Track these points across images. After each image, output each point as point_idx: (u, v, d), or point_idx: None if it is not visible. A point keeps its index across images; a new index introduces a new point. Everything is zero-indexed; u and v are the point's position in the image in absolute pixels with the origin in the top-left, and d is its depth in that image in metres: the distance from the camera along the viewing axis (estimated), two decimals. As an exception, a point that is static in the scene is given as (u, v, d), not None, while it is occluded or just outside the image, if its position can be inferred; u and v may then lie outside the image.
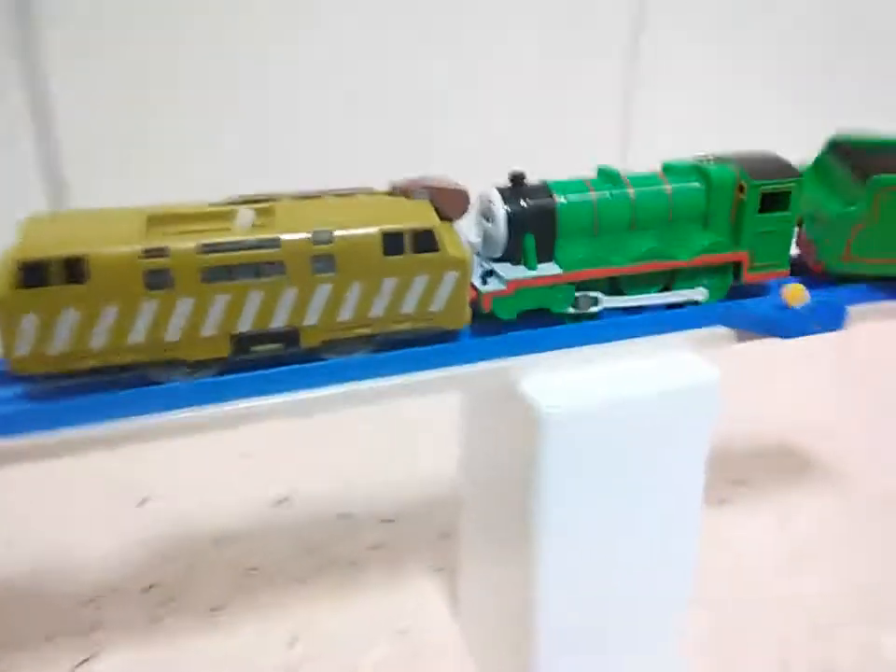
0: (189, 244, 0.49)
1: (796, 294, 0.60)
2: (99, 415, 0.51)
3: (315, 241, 0.51)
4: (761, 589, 0.75)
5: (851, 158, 0.68)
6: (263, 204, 0.55)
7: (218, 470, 0.89)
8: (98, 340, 0.50)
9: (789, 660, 0.68)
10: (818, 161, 0.71)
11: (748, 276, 0.65)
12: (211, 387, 0.53)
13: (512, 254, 0.61)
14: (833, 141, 0.71)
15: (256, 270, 0.50)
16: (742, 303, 0.62)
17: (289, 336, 0.54)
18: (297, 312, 0.53)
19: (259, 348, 0.53)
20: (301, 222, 0.53)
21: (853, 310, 0.65)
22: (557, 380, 0.56)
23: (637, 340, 0.59)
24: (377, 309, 0.55)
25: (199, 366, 0.54)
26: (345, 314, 0.54)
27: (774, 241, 0.65)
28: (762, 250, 0.65)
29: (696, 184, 0.64)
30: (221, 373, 0.54)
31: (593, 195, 0.64)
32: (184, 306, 0.50)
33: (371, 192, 0.60)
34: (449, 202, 0.59)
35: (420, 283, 0.55)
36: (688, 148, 0.72)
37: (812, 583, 0.76)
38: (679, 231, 0.64)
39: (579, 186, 0.64)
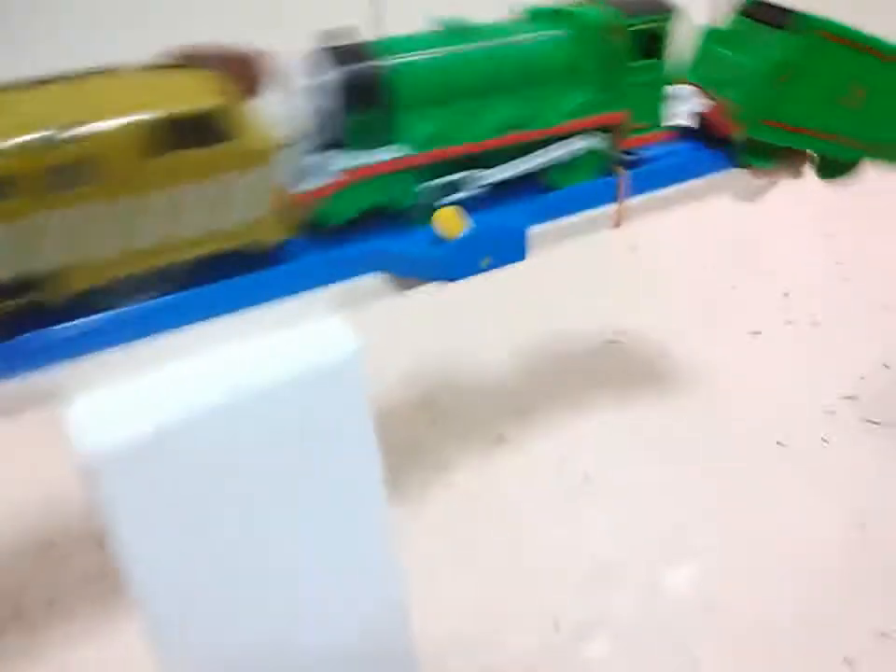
0: None
1: (449, 222, 0.48)
2: None
3: (48, 143, 0.36)
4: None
5: (772, 14, 0.61)
6: None
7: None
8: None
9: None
10: (733, 24, 0.64)
11: (626, 142, 0.56)
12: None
13: (333, 140, 0.47)
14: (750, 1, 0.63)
15: None
16: (390, 242, 0.50)
17: (25, 287, 0.38)
18: (31, 251, 0.37)
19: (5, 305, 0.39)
20: (23, 120, 0.37)
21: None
22: (124, 391, 0.42)
23: (252, 311, 0.45)
24: (155, 234, 0.40)
25: None
26: (110, 248, 0.39)
27: (648, 95, 0.56)
28: (637, 108, 0.56)
29: (560, 31, 0.53)
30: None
31: (432, 53, 0.50)
32: None
33: (113, 72, 0.43)
34: (242, 70, 0.45)
35: (210, 189, 0.40)
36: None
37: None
38: (545, 92, 0.53)
39: (414, 43, 0.51)
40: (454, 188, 0.52)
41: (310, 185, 0.46)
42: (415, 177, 0.50)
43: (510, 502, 0.92)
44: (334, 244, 0.51)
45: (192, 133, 0.39)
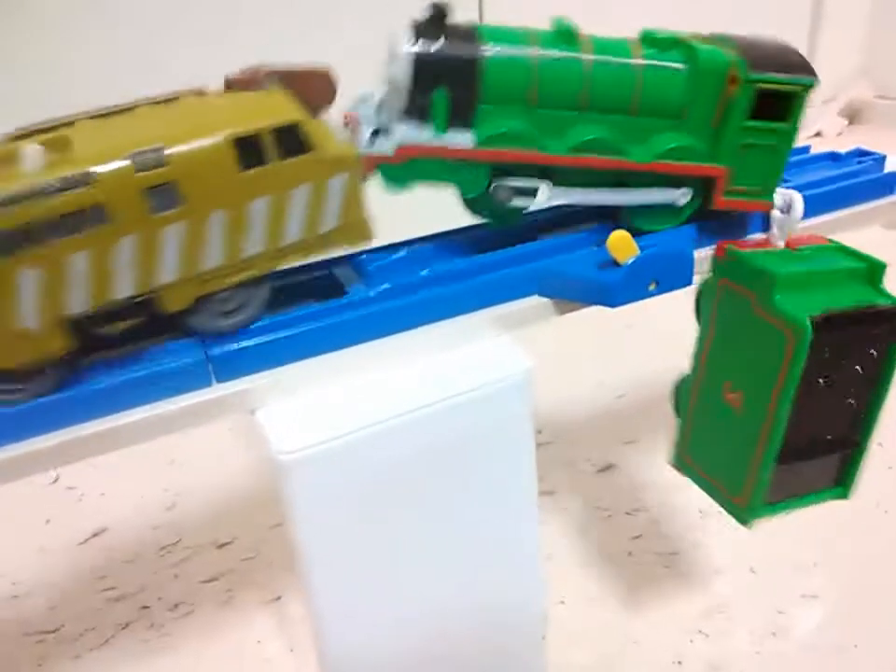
0: None
1: (623, 246, 0.47)
2: None
3: (140, 166, 0.37)
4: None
5: None
6: (52, 134, 0.39)
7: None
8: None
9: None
10: None
11: (720, 201, 0.52)
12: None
13: (419, 111, 0.46)
14: None
15: (69, 224, 0.36)
16: (554, 262, 0.50)
17: (145, 303, 0.40)
18: (144, 269, 0.39)
19: (109, 328, 0.41)
20: (111, 145, 0.38)
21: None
22: (311, 401, 0.44)
23: (421, 330, 0.48)
24: (253, 244, 0.41)
25: (29, 377, 0.38)
26: (212, 259, 0.41)
27: (763, 160, 0.52)
28: (744, 169, 0.52)
29: (678, 64, 0.49)
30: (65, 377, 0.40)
31: (535, 53, 0.47)
32: None
33: (199, 93, 0.45)
34: (308, 88, 0.45)
35: (299, 198, 0.42)
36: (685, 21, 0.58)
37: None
38: (643, 124, 0.50)
39: (520, 37, 0.48)
40: (526, 194, 0.50)
41: (378, 148, 0.46)
42: (486, 171, 0.48)
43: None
44: (495, 263, 0.52)
45: (281, 144, 0.40)
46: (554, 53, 0.48)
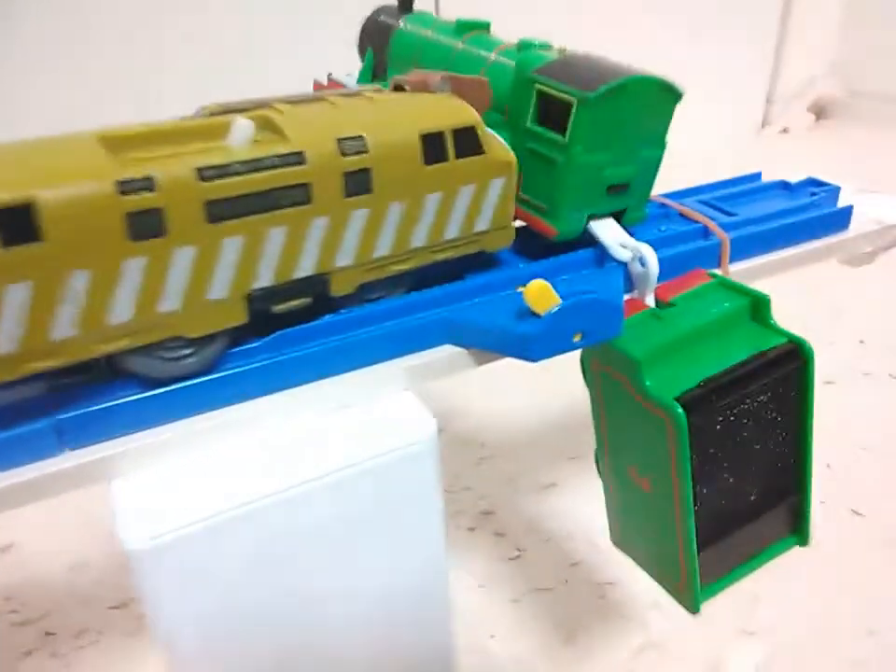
0: (183, 167, 0.35)
1: (541, 296, 0.44)
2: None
3: (346, 151, 0.39)
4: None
5: None
6: (253, 112, 0.41)
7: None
8: (62, 327, 0.35)
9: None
10: None
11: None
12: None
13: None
14: None
15: (275, 198, 0.38)
16: (468, 309, 0.47)
17: (317, 283, 0.42)
18: (327, 251, 0.41)
19: (282, 307, 0.41)
20: (318, 130, 0.40)
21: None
22: (178, 470, 0.40)
23: (313, 385, 0.43)
24: (419, 236, 0.44)
25: (202, 342, 0.40)
26: (382, 247, 0.43)
27: (544, 172, 0.50)
28: (529, 177, 0.51)
29: (511, 62, 0.53)
30: (229, 349, 0.41)
31: (427, 33, 0.58)
32: (183, 260, 0.36)
33: (377, 90, 0.47)
34: (471, 94, 0.48)
35: (465, 196, 0.44)
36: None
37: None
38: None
39: (429, 23, 0.60)
40: None
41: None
42: None
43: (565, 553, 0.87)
44: (403, 309, 0.47)
45: (459, 144, 0.43)
46: (435, 36, 0.58)
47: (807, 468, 0.51)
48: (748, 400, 0.47)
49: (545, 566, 0.86)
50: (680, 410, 0.44)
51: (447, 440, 1.06)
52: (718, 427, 0.46)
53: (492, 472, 1.00)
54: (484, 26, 0.59)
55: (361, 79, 0.65)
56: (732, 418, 0.47)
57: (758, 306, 0.49)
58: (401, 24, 0.62)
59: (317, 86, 0.70)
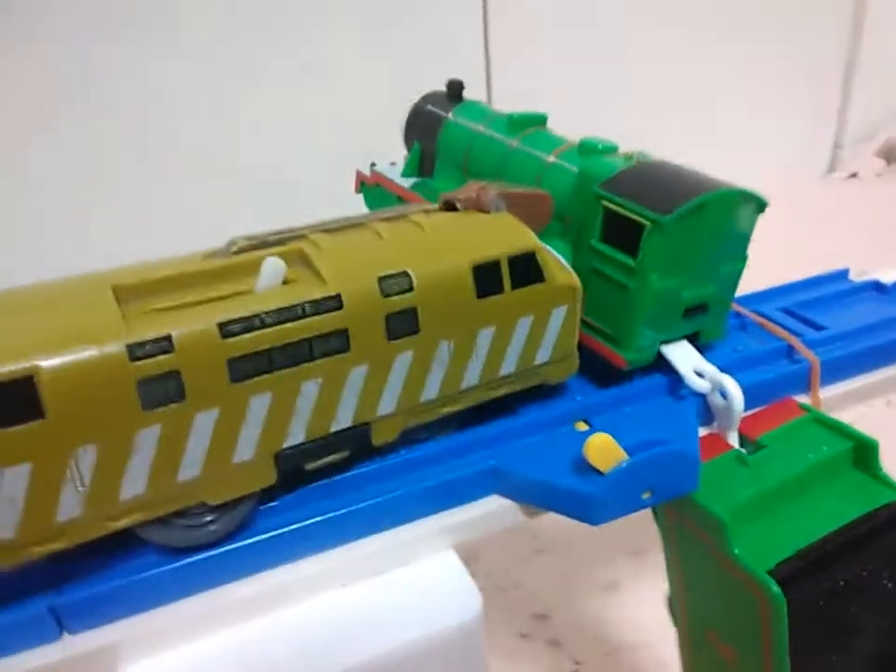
0: (202, 323, 0.31)
1: (604, 452, 0.38)
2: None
3: (388, 291, 0.35)
4: None
5: None
6: (286, 247, 0.36)
7: None
8: (67, 508, 0.31)
9: None
10: None
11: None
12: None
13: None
14: None
15: (309, 349, 0.33)
16: (519, 457, 0.41)
17: (357, 436, 0.37)
18: (368, 400, 0.36)
19: (315, 463, 0.37)
20: (357, 267, 0.35)
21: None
22: (194, 657, 0.34)
23: (340, 550, 0.38)
24: (471, 375, 0.39)
25: (226, 507, 0.35)
26: (430, 390, 0.38)
27: (611, 296, 0.44)
28: (593, 300, 0.45)
29: (574, 167, 0.48)
30: (255, 510, 0.37)
31: (477, 128, 0.55)
32: (203, 424, 0.32)
33: (426, 211, 0.43)
34: (531, 210, 0.43)
35: (523, 328, 0.39)
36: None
37: None
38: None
39: (481, 115, 0.56)
40: None
41: (368, 170, 0.63)
42: None
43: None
44: (446, 454, 0.42)
45: (517, 272, 0.39)
46: (489, 132, 0.55)
47: None
48: (855, 572, 0.40)
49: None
50: (777, 589, 0.37)
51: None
52: (820, 603, 0.39)
53: (546, 567, 0.93)
54: (541, 121, 0.55)
55: (406, 172, 0.61)
56: (836, 593, 0.40)
57: (863, 452, 0.42)
58: (451, 116, 0.58)
59: (360, 176, 0.66)
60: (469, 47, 1.46)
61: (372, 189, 0.63)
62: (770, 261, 0.71)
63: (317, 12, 1.30)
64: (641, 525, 0.93)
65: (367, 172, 0.65)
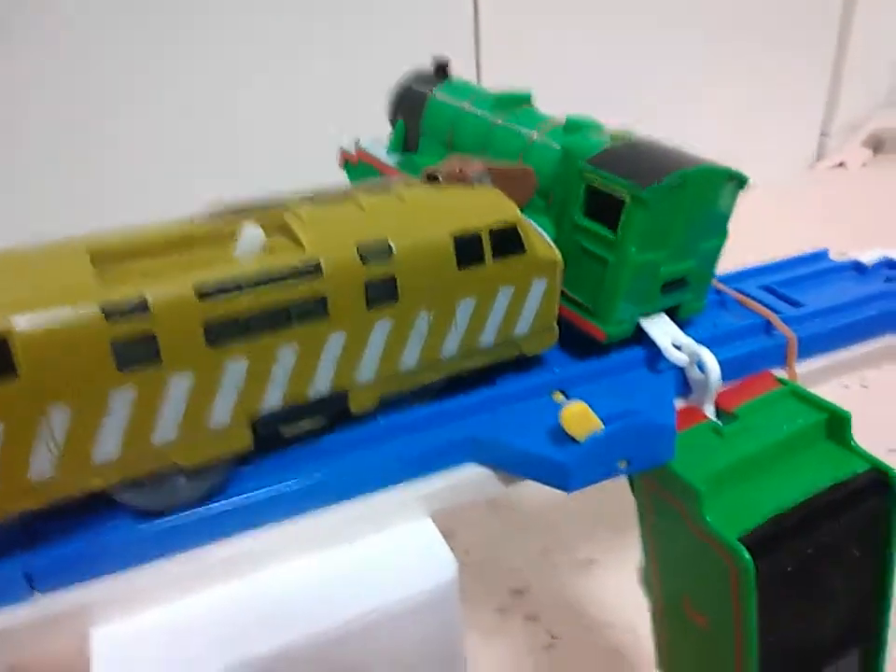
0: (179, 285, 0.31)
1: (580, 420, 0.39)
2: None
3: (367, 258, 0.35)
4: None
5: None
6: (266, 213, 0.37)
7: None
8: (40, 468, 0.31)
9: None
10: None
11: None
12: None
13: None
14: None
15: (286, 314, 0.33)
16: (497, 426, 0.42)
17: (334, 402, 0.38)
18: (346, 367, 0.37)
19: (292, 428, 0.38)
20: (337, 235, 0.36)
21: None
22: (167, 616, 0.35)
23: (316, 514, 0.38)
24: (450, 345, 0.39)
25: (200, 470, 0.35)
26: (409, 359, 0.39)
27: (591, 270, 0.45)
28: (574, 275, 0.45)
29: (557, 145, 0.48)
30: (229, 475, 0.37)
31: (463, 105, 0.55)
32: (179, 387, 0.32)
33: (408, 184, 0.43)
34: (514, 185, 0.44)
35: (503, 299, 0.40)
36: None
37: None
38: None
39: (467, 92, 0.56)
40: None
41: (351, 147, 0.63)
42: None
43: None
44: (423, 423, 0.42)
45: (498, 243, 0.39)
46: (472, 108, 0.54)
47: (885, 615, 0.44)
48: (824, 539, 0.40)
49: (582, 657, 0.80)
50: (747, 555, 0.37)
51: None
52: (789, 569, 0.40)
53: (524, 544, 0.94)
54: (525, 99, 0.55)
55: (391, 149, 0.61)
56: (805, 560, 0.40)
57: (836, 424, 0.43)
58: (436, 93, 0.58)
59: (345, 155, 0.65)
60: (460, 39, 1.45)
61: (356, 166, 0.63)
62: (755, 249, 0.71)
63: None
64: (619, 503, 0.94)
65: (352, 150, 0.65)
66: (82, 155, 1.19)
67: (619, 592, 0.86)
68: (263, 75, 1.31)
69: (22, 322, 0.29)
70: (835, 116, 2.13)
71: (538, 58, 1.51)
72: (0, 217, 1.14)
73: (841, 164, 2.15)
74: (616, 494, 0.97)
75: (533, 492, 0.99)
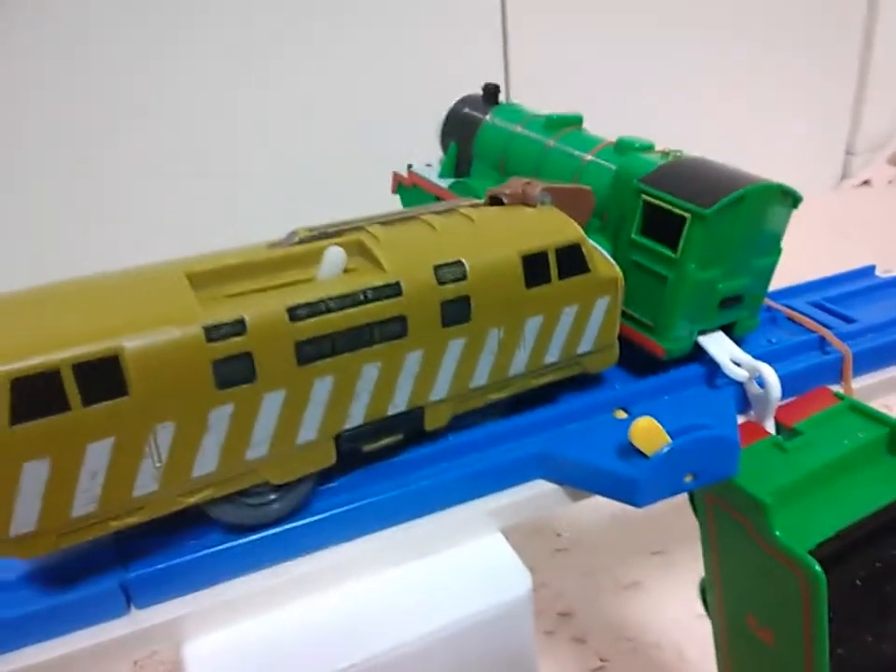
0: (273, 307, 0.33)
1: (650, 436, 0.39)
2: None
3: (444, 279, 0.36)
4: None
5: None
6: (345, 237, 0.38)
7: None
8: (144, 483, 0.32)
9: None
10: None
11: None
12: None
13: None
14: None
15: (369, 333, 0.35)
16: (564, 442, 0.42)
17: (411, 419, 0.39)
18: (422, 385, 0.38)
19: (372, 445, 0.39)
20: (414, 256, 0.37)
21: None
22: (248, 633, 0.36)
23: (391, 532, 0.39)
24: (518, 363, 0.41)
25: (288, 487, 0.37)
26: (480, 377, 0.40)
27: (650, 288, 0.46)
28: (633, 291, 0.46)
29: (612, 165, 0.50)
30: (314, 490, 0.38)
31: (514, 128, 0.57)
32: (272, 405, 0.34)
33: (474, 205, 0.44)
34: (574, 204, 0.44)
35: (568, 318, 0.41)
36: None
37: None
38: None
39: (517, 116, 0.58)
40: None
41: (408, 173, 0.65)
42: None
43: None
44: (492, 440, 0.43)
45: (563, 263, 0.40)
46: (525, 132, 0.56)
47: None
48: (892, 553, 0.41)
49: (632, 679, 0.79)
50: (818, 568, 0.38)
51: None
52: (857, 582, 0.41)
53: (569, 566, 0.94)
54: (576, 121, 0.57)
55: (443, 173, 0.63)
56: (873, 573, 0.41)
57: None
58: (488, 118, 0.60)
59: (397, 177, 0.68)
60: (487, 46, 1.45)
61: (410, 189, 0.65)
62: (784, 268, 0.72)
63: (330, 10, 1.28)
64: (662, 526, 0.94)
65: (404, 173, 0.67)
66: (82, 155, 1.19)
67: (664, 614, 0.85)
68: (263, 74, 1.29)
69: (133, 343, 0.30)
70: (860, 134, 2.13)
71: (538, 58, 1.52)
72: (0, 217, 1.14)
73: (866, 182, 2.15)
74: (659, 517, 0.97)
75: (577, 511, 0.99)
